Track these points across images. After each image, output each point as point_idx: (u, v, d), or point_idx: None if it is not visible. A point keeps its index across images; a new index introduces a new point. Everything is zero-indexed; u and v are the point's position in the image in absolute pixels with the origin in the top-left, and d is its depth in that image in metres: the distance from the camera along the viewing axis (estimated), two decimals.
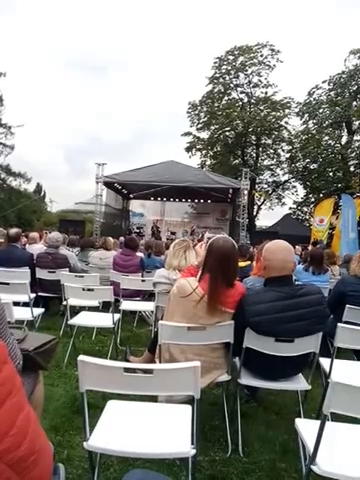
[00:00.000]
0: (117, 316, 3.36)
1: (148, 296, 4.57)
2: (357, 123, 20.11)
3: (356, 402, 1.30)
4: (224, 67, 23.52)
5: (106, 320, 3.24)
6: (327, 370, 2.32)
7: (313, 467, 1.34)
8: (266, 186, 25.28)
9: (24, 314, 3.22)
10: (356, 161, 20.81)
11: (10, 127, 22.97)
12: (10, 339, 1.33)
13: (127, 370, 1.35)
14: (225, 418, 2.18)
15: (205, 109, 24.26)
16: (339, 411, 1.32)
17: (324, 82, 22.51)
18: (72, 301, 3.40)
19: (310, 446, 1.39)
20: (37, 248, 5.41)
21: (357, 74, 21.59)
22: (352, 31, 41.58)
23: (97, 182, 13.90)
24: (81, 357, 1.37)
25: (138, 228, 17.69)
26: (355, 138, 21.23)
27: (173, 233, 16.56)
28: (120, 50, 59.29)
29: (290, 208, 24.70)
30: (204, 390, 2.27)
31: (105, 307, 3.80)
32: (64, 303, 3.44)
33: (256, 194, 22.78)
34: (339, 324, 2.26)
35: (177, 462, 1.87)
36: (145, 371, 1.38)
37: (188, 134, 24.78)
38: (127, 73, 62.90)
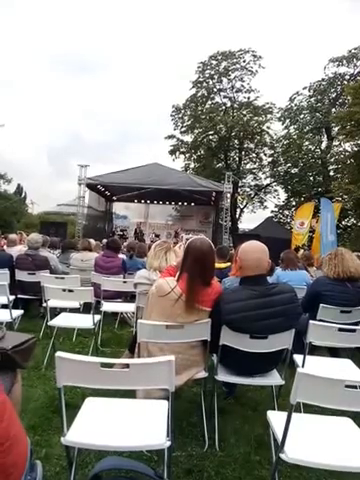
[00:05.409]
0: (98, 317, 3.37)
1: (130, 298, 4.58)
2: (336, 129, 20.66)
3: (321, 392, 1.38)
4: (207, 72, 23.80)
5: (86, 321, 3.25)
6: (300, 365, 2.41)
7: (281, 455, 1.41)
8: (248, 189, 25.65)
9: (2, 316, 3.20)
10: (335, 166, 21.40)
11: None
12: None
13: (104, 365, 1.39)
14: (203, 414, 2.23)
15: (189, 113, 24.45)
16: (305, 400, 1.40)
17: (305, 88, 23.18)
18: (52, 302, 3.39)
19: (280, 436, 1.47)
20: (17, 250, 5.34)
21: (336, 81, 22.29)
22: (332, 39, 43.01)
23: (79, 184, 13.79)
24: (59, 353, 1.40)
25: (122, 230, 17.61)
26: (334, 144, 21.84)
27: (157, 235, 16.55)
28: (105, 51, 59.30)
29: (272, 211, 25.15)
30: (183, 388, 2.33)
31: (86, 309, 3.80)
32: (44, 305, 3.43)
33: (239, 197, 23.11)
34: (311, 321, 2.36)
35: (155, 457, 1.91)
36: (122, 366, 1.42)
37: (172, 137, 24.92)
38: (112, 75, 62.87)
